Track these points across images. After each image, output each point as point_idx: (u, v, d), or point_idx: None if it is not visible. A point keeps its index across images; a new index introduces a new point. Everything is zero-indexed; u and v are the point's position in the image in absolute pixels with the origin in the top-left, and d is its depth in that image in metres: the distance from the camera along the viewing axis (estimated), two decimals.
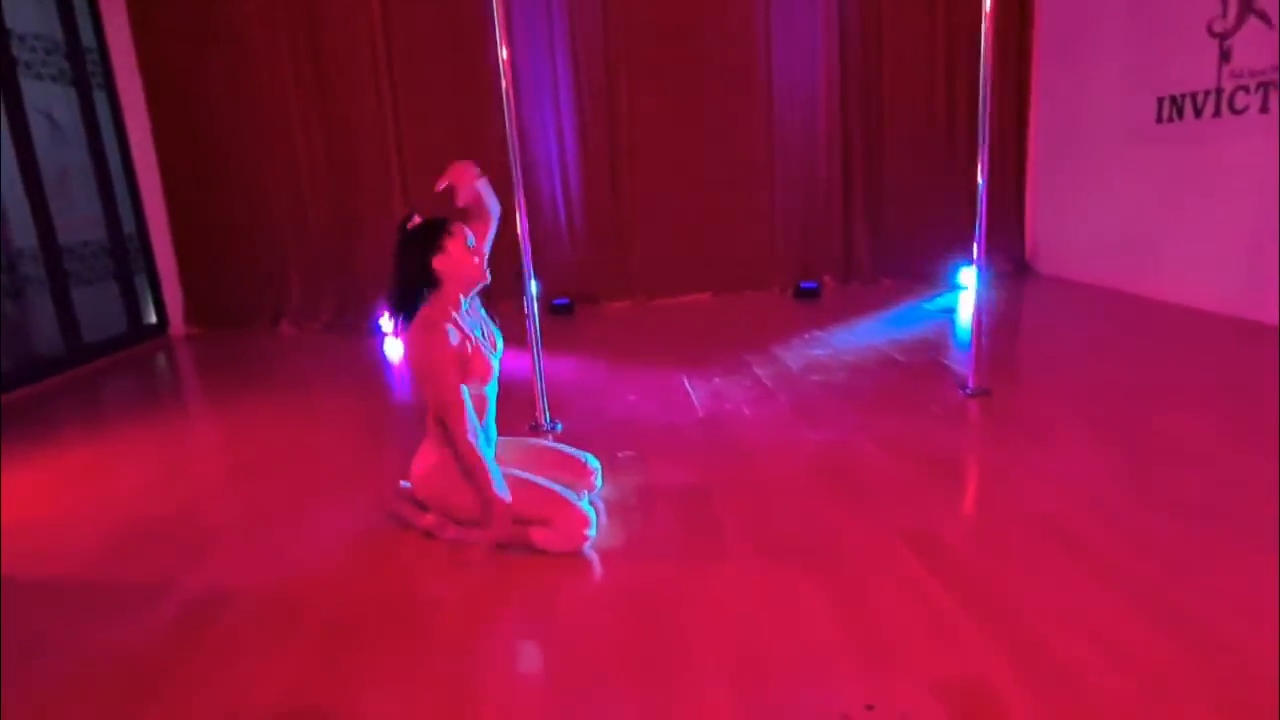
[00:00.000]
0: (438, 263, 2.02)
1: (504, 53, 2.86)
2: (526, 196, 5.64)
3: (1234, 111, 3.93)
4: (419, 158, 5.53)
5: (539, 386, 3.07)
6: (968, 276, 5.48)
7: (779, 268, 5.86)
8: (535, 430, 3.07)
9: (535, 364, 3.06)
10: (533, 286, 3.08)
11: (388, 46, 5.37)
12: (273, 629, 1.78)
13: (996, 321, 4.59)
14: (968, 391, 3.12)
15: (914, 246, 5.76)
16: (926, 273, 5.66)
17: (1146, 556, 1.83)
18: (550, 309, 5.69)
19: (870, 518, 2.12)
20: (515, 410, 3.24)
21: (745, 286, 5.90)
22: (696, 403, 3.28)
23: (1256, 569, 1.73)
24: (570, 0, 5.45)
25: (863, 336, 4.29)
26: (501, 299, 5.62)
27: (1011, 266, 5.82)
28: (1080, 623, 1.59)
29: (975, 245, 3.21)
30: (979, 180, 3.09)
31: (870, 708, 1.38)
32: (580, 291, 5.79)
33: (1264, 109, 3.76)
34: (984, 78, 2.95)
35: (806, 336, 4.35)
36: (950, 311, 4.80)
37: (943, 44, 5.49)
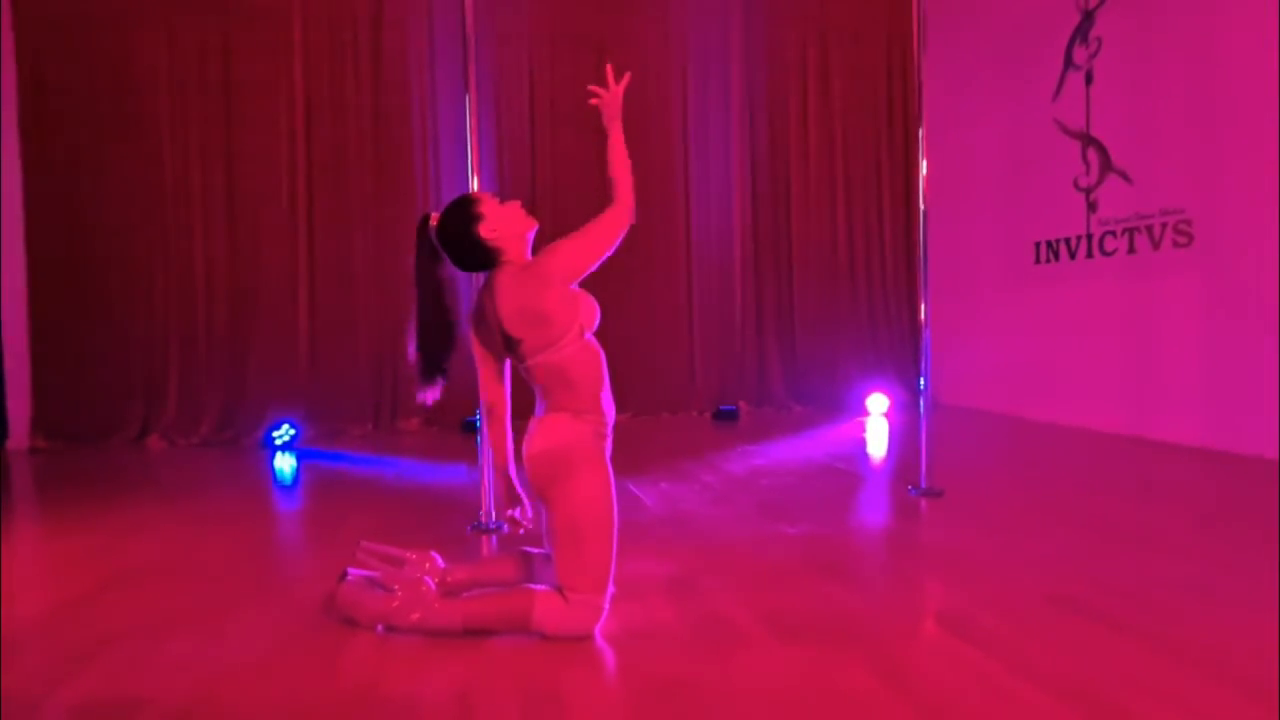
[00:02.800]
0: (484, 231, 1.80)
1: (474, 182, 2.86)
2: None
3: (1104, 254, 4.46)
4: (328, 267, 5.31)
5: (488, 484, 2.81)
6: (876, 403, 5.73)
7: (696, 392, 5.91)
8: (478, 530, 2.77)
9: (483, 463, 2.81)
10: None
11: (308, 153, 5.26)
12: None
13: (907, 442, 4.75)
14: (918, 491, 3.13)
15: (823, 375, 5.99)
16: (835, 399, 5.86)
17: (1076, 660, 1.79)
18: (462, 427, 5.40)
19: (883, 598, 1.99)
20: (455, 512, 2.95)
21: (662, 409, 5.87)
22: (649, 503, 3.10)
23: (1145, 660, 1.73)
24: (498, 130, 5.61)
25: (795, 451, 4.30)
26: (406, 416, 5.47)
27: (911, 397, 6.13)
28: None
29: (920, 368, 3.35)
30: (921, 313, 3.31)
31: None
32: None
33: (1131, 251, 4.29)
34: (923, 219, 3.19)
35: (740, 450, 4.31)
36: (862, 435, 4.94)
37: (842, 187, 6.02)
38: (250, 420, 5.07)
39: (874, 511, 2.88)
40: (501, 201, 1.89)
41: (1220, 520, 2.72)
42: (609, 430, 1.89)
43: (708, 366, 5.94)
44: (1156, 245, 4.12)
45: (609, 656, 1.71)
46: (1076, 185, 4.62)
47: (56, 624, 1.99)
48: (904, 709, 1.44)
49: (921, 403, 3.32)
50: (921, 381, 3.34)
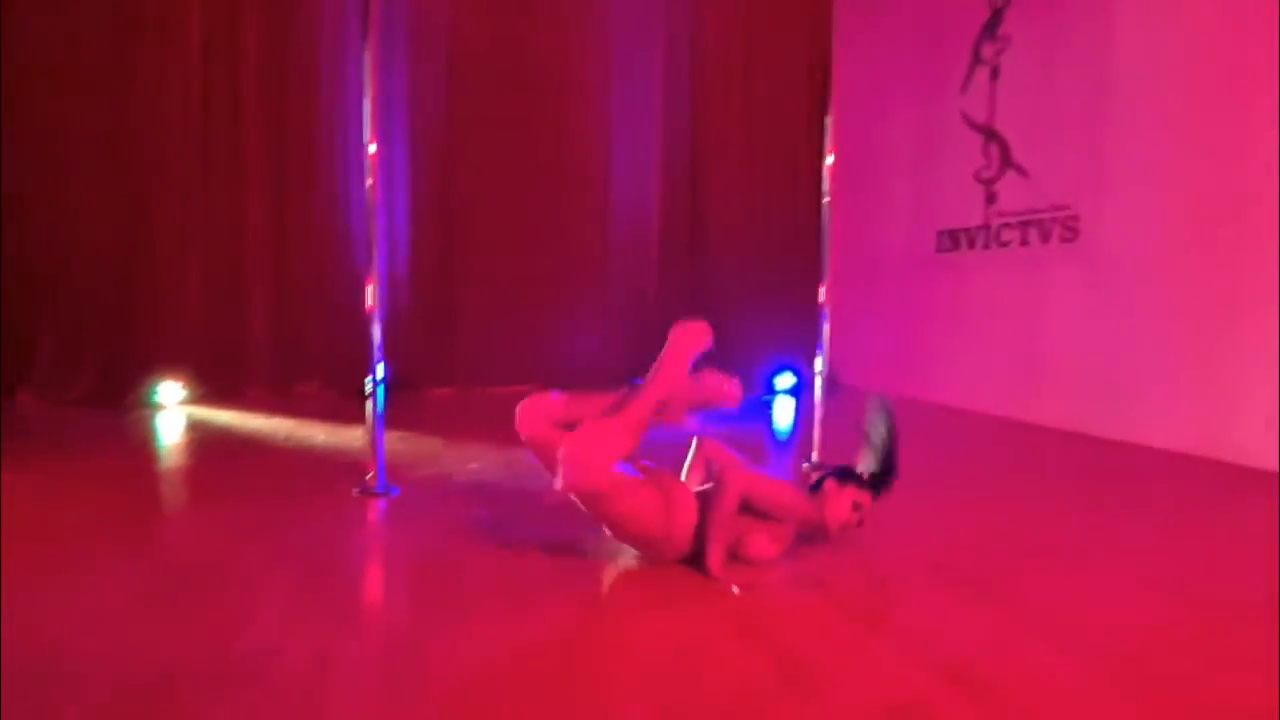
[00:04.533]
0: None
1: (372, 148, 2.75)
2: (347, 272, 5.35)
3: (1000, 245, 4.66)
4: (222, 221, 5.03)
5: (376, 447, 2.73)
6: (783, 381, 5.87)
7: (608, 363, 5.89)
8: (364, 494, 2.70)
9: (372, 424, 2.74)
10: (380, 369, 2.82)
11: (205, 97, 4.95)
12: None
13: (807, 424, 4.88)
14: (810, 465, 3.23)
15: (735, 352, 6.05)
16: (746, 376, 5.95)
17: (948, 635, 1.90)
18: (360, 393, 5.22)
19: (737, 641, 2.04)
20: (340, 472, 2.87)
21: (573, 381, 5.81)
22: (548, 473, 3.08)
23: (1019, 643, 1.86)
24: (412, 88, 5.42)
25: (692, 431, 4.34)
26: (304, 378, 5.25)
27: (814, 376, 6.30)
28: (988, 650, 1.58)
29: (819, 352, 3.40)
30: (820, 294, 3.33)
31: None
32: (399, 376, 5.39)
33: (1024, 243, 4.49)
34: (825, 211, 3.25)
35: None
36: (767, 413, 5.06)
37: (761, 168, 6.07)
38: (134, 378, 4.78)
39: None
40: None
41: (1090, 500, 2.89)
42: None
43: (620, 340, 5.93)
44: (1046, 239, 4.33)
45: None
46: (978, 177, 4.80)
47: None
48: (764, 660, 1.48)
49: (818, 386, 3.38)
50: (818, 366, 3.39)
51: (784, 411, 5.00)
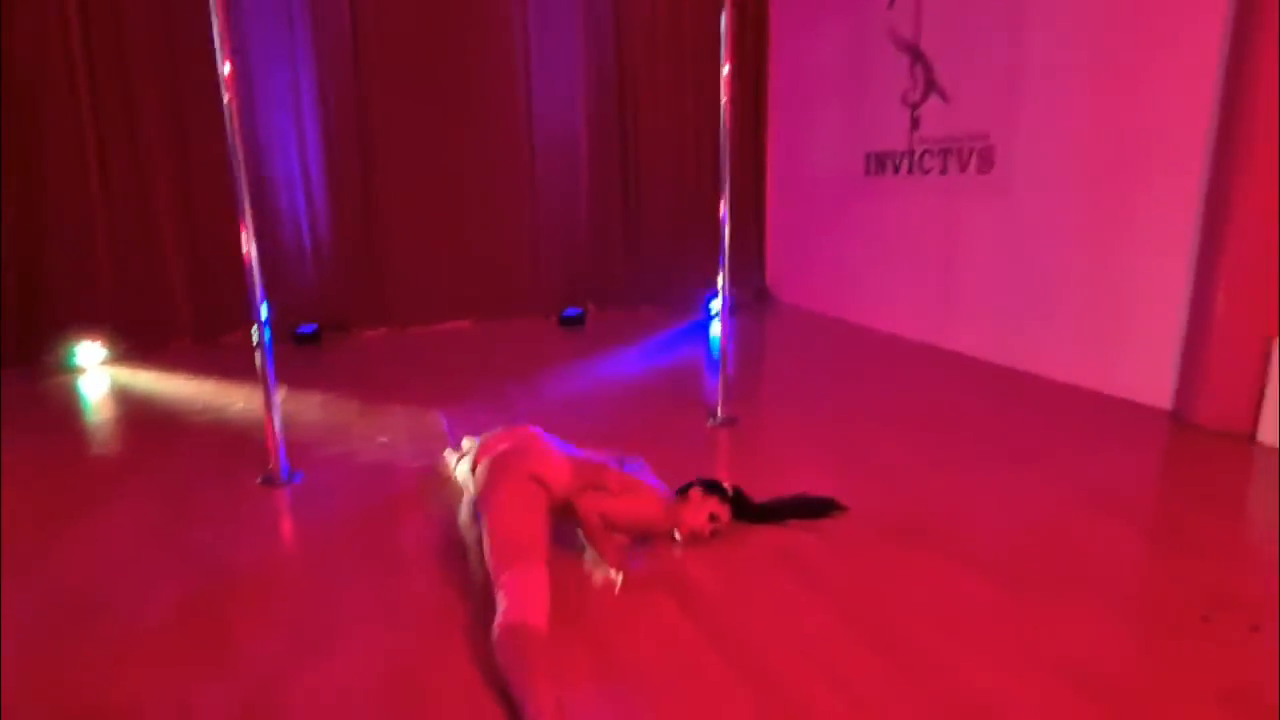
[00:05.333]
0: None
1: (226, 68, 2.55)
2: (261, 211, 5.18)
3: (922, 171, 4.62)
4: (122, 171, 4.79)
5: (273, 431, 2.76)
6: (718, 305, 5.90)
7: (541, 294, 5.87)
8: (269, 483, 2.76)
9: (267, 406, 2.74)
10: (264, 313, 2.75)
11: (88, 60, 4.60)
12: None
13: (740, 346, 4.97)
14: (716, 421, 3.32)
15: (669, 275, 6.05)
16: (681, 300, 5.98)
17: (861, 579, 2.04)
18: (294, 338, 5.21)
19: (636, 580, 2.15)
20: (247, 460, 2.90)
21: (508, 314, 5.83)
22: (453, 443, 3.15)
23: (943, 576, 2.00)
24: (314, 9, 5.07)
25: (623, 365, 4.41)
26: (230, 328, 5.17)
27: (753, 295, 6.34)
28: (805, 650, 1.72)
29: (720, 280, 3.39)
30: (721, 216, 3.28)
31: None
32: (328, 317, 5.36)
33: (944, 171, 4.45)
34: (724, 124, 3.17)
35: (570, 366, 4.40)
36: (705, 337, 5.13)
37: (692, 88, 5.86)
38: (49, 339, 4.69)
39: (660, 447, 3.03)
40: None
41: (984, 434, 3.03)
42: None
43: (552, 268, 5.88)
44: (964, 168, 4.29)
45: None
46: (904, 100, 4.68)
47: None
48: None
49: (720, 330, 3.40)
50: (715, 307, 3.40)
51: (718, 334, 5.11)
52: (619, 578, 1.98)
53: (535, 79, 5.59)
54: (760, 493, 2.48)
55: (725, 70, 3.17)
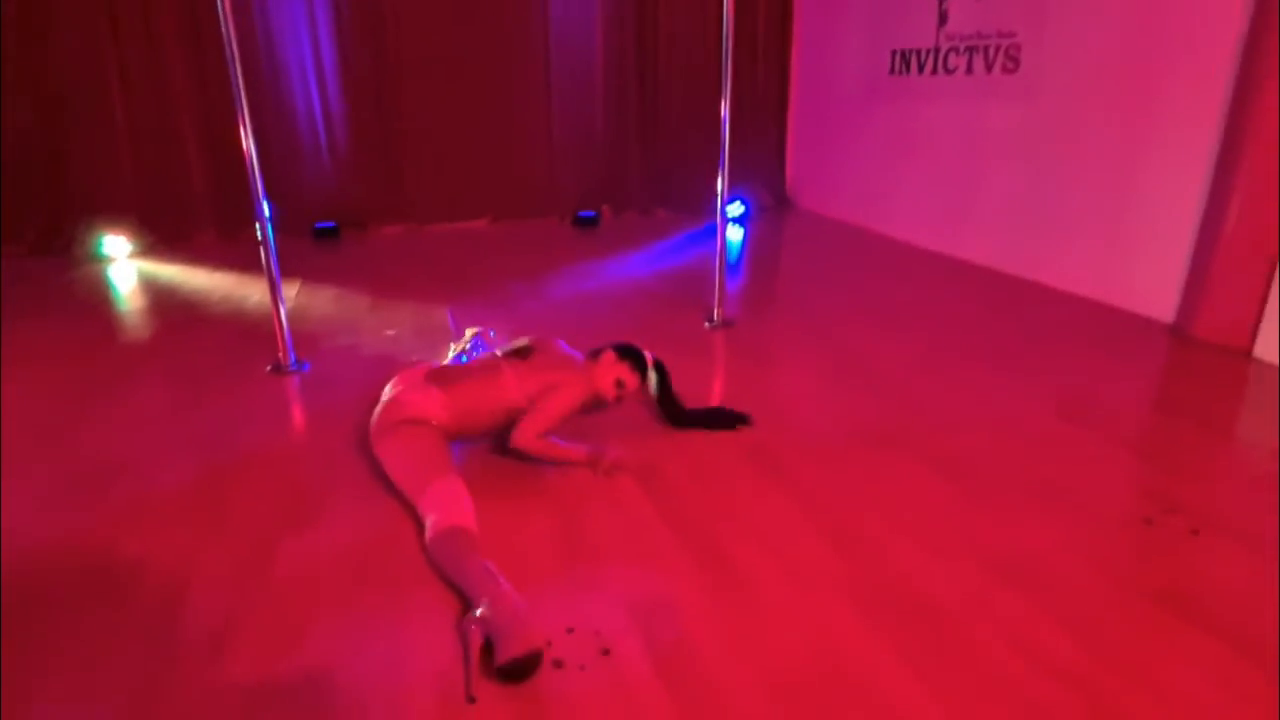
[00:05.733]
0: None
1: None
2: (277, 106, 5.19)
3: (947, 71, 4.43)
4: (140, 65, 4.80)
5: (280, 322, 2.88)
6: (735, 209, 5.85)
7: (557, 195, 5.85)
8: (278, 372, 2.90)
9: (273, 296, 2.85)
10: (265, 209, 2.82)
11: None
12: None
13: (752, 252, 4.96)
14: (713, 324, 3.37)
15: (686, 179, 5.96)
16: (696, 203, 5.92)
17: (825, 475, 2.12)
18: (314, 233, 5.31)
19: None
20: (259, 350, 3.04)
21: (524, 213, 5.84)
22: (456, 337, 3.25)
23: (906, 477, 2.08)
24: None
25: (631, 268, 4.45)
26: (250, 223, 5.25)
27: (773, 200, 6.24)
28: (756, 532, 1.83)
29: (719, 183, 3.37)
30: (721, 116, 3.23)
31: (570, 630, 1.51)
32: (347, 214, 5.43)
33: (969, 70, 4.27)
34: (726, 19, 3.07)
35: (578, 267, 4.44)
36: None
37: None
38: (78, 229, 4.86)
39: (656, 349, 3.10)
40: None
41: (990, 347, 3.06)
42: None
43: (568, 170, 5.84)
44: (990, 68, 4.11)
45: None
46: None
47: None
48: (561, 567, 1.74)
49: (720, 233, 3.40)
50: (735, 205, 3.39)
51: (735, 236, 5.14)
52: (606, 465, 2.11)
53: None
54: (743, 393, 2.56)
55: None
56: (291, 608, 1.60)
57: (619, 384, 2.22)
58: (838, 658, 1.45)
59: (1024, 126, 3.95)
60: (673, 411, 2.38)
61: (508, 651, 1.39)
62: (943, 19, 4.40)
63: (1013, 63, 3.95)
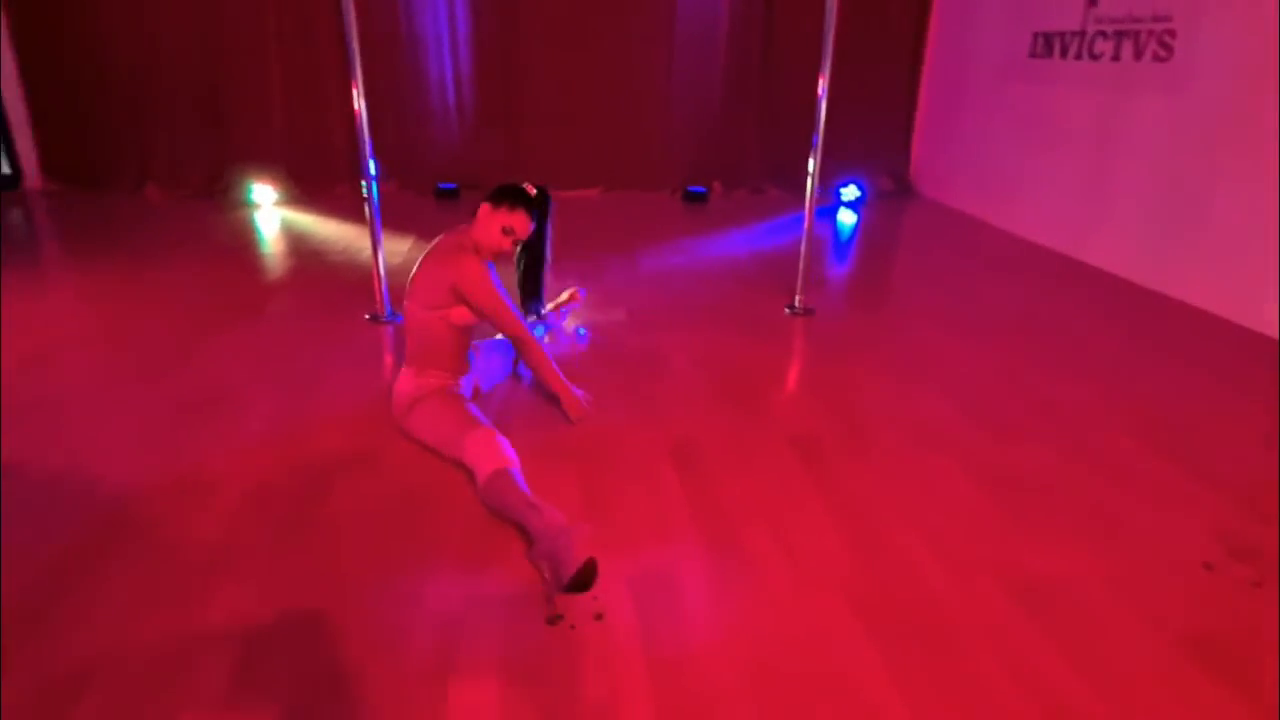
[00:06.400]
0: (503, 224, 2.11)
1: None
2: (413, 72, 5.48)
3: (1092, 56, 4.08)
4: (295, 32, 5.22)
5: (379, 275, 3.11)
6: (850, 194, 5.66)
7: (670, 169, 5.88)
8: (375, 320, 3.14)
9: (374, 250, 3.07)
10: (371, 167, 3.04)
11: None
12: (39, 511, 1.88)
13: (860, 240, 4.81)
14: (792, 310, 3.32)
15: (801, 157, 5.79)
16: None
17: (865, 474, 2.08)
18: (436, 193, 5.61)
19: (646, 426, 2.32)
20: (364, 298, 3.29)
21: (635, 185, 5.91)
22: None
23: (948, 487, 2.01)
24: None
25: (728, 247, 4.43)
26: (382, 179, 5.64)
27: (894, 185, 5.99)
28: (778, 526, 1.83)
29: (811, 165, 3.29)
30: (819, 94, 3.15)
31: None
32: (467, 177, 5.69)
33: (1116, 57, 3.91)
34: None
35: (675, 243, 4.47)
36: (830, 224, 5.00)
37: None
38: (235, 176, 5.37)
39: (727, 331, 3.10)
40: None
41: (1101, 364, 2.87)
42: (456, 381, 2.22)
43: (684, 145, 5.84)
44: (1139, 55, 3.75)
45: None
46: None
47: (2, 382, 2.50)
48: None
49: (807, 218, 3.33)
50: (809, 195, 3.32)
51: (846, 221, 5.03)
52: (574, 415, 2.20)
53: None
54: (805, 383, 2.53)
55: None
56: (326, 543, 1.77)
57: (507, 231, 2.11)
58: (826, 659, 1.45)
59: (1171, 122, 3.59)
60: (528, 275, 2.33)
61: (566, 571, 1.55)
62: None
63: (1165, 50, 3.59)
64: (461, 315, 2.14)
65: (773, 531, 1.81)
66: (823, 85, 3.15)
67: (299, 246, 4.30)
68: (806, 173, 5.65)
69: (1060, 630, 1.52)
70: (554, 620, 1.52)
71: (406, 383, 2.18)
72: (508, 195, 2.12)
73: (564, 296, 2.95)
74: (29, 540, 1.72)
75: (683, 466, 2.09)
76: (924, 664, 1.43)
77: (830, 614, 1.56)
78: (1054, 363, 2.86)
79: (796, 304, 3.32)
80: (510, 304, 2.18)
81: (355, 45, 2.85)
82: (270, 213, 5.07)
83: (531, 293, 2.41)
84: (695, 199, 5.68)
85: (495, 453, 1.88)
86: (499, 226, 2.10)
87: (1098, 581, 1.68)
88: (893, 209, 5.57)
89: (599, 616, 1.53)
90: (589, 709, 1.32)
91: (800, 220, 5.02)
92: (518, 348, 2.28)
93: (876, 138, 5.92)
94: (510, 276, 2.36)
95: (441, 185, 5.60)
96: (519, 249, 2.26)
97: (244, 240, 4.47)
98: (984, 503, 1.96)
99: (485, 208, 2.12)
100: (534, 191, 2.16)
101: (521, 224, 2.12)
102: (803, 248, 3.31)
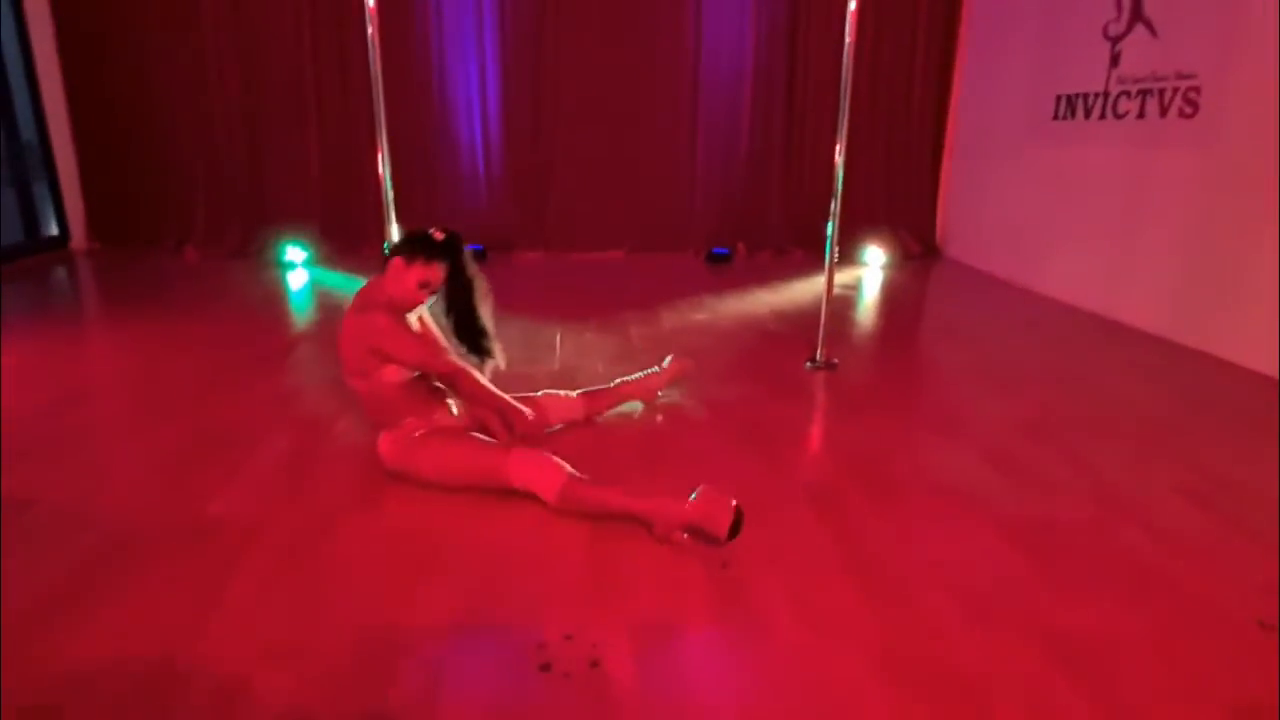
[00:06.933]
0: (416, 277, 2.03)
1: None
2: (444, 138, 5.67)
3: (1116, 116, 4.07)
4: (333, 99, 5.46)
5: None
6: (872, 256, 5.64)
7: (694, 232, 5.93)
8: None
9: None
10: (394, 230, 3.10)
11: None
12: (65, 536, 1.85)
13: (885, 300, 4.75)
14: (814, 364, 3.25)
15: (825, 221, 5.82)
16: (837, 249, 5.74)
17: (886, 527, 1.98)
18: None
19: (658, 474, 2.24)
20: None
21: (659, 248, 5.96)
22: (558, 355, 3.37)
23: (977, 542, 1.90)
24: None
25: (750, 304, 4.40)
26: (376, 238, 5.75)
27: (920, 248, 5.96)
28: (791, 577, 1.73)
29: (829, 229, 3.28)
30: (836, 163, 3.17)
31: (568, 637, 1.51)
32: (494, 238, 5.80)
33: (1140, 115, 3.89)
34: (845, 65, 3.01)
35: (696, 300, 4.46)
36: (854, 286, 4.96)
37: (869, 28, 5.51)
38: (269, 237, 5.54)
39: (748, 384, 3.04)
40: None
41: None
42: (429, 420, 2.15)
43: (708, 208, 5.91)
44: (1164, 112, 3.73)
45: None
46: (1106, 33, 4.12)
47: (29, 423, 2.51)
48: (584, 580, 1.74)
49: (826, 270, 3.30)
50: (828, 253, 3.30)
51: (870, 285, 4.97)
52: (514, 433, 2.09)
53: (706, 21, 5.57)
54: (823, 435, 2.45)
55: (851, 5, 2.98)
56: (330, 578, 1.71)
57: (424, 285, 2.03)
58: (839, 713, 1.33)
59: (1199, 176, 3.53)
60: (463, 318, 2.14)
61: (720, 526, 1.78)
62: (1115, 60, 4.06)
63: (1191, 107, 3.56)
64: (395, 373, 2.07)
65: (786, 584, 1.71)
66: (839, 151, 3.17)
67: (325, 302, 4.37)
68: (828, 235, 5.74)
69: (1099, 692, 1.39)
70: (546, 668, 1.43)
71: (387, 442, 2.11)
72: (421, 248, 2.02)
73: (667, 364, 2.78)
74: (19, 569, 1.69)
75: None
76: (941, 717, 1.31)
77: (846, 669, 1.45)
78: (1087, 417, 2.74)
79: (818, 358, 3.26)
80: (435, 342, 2.15)
81: (382, 116, 2.95)
82: (301, 271, 5.19)
83: (479, 332, 2.21)
84: (719, 260, 5.70)
85: (550, 466, 1.93)
86: (415, 281, 2.02)
87: (1139, 641, 1.54)
88: (919, 270, 5.53)
89: (595, 664, 1.44)
90: None
91: (822, 281, 5.01)
92: (448, 384, 2.17)
93: (901, 201, 5.94)
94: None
95: (468, 247, 5.70)
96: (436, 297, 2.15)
97: (274, 296, 4.56)
98: (1014, 559, 1.84)
99: (398, 262, 2.02)
100: (442, 237, 2.06)
101: (438, 276, 2.05)
102: (823, 303, 3.27)
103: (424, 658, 1.45)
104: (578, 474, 1.94)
